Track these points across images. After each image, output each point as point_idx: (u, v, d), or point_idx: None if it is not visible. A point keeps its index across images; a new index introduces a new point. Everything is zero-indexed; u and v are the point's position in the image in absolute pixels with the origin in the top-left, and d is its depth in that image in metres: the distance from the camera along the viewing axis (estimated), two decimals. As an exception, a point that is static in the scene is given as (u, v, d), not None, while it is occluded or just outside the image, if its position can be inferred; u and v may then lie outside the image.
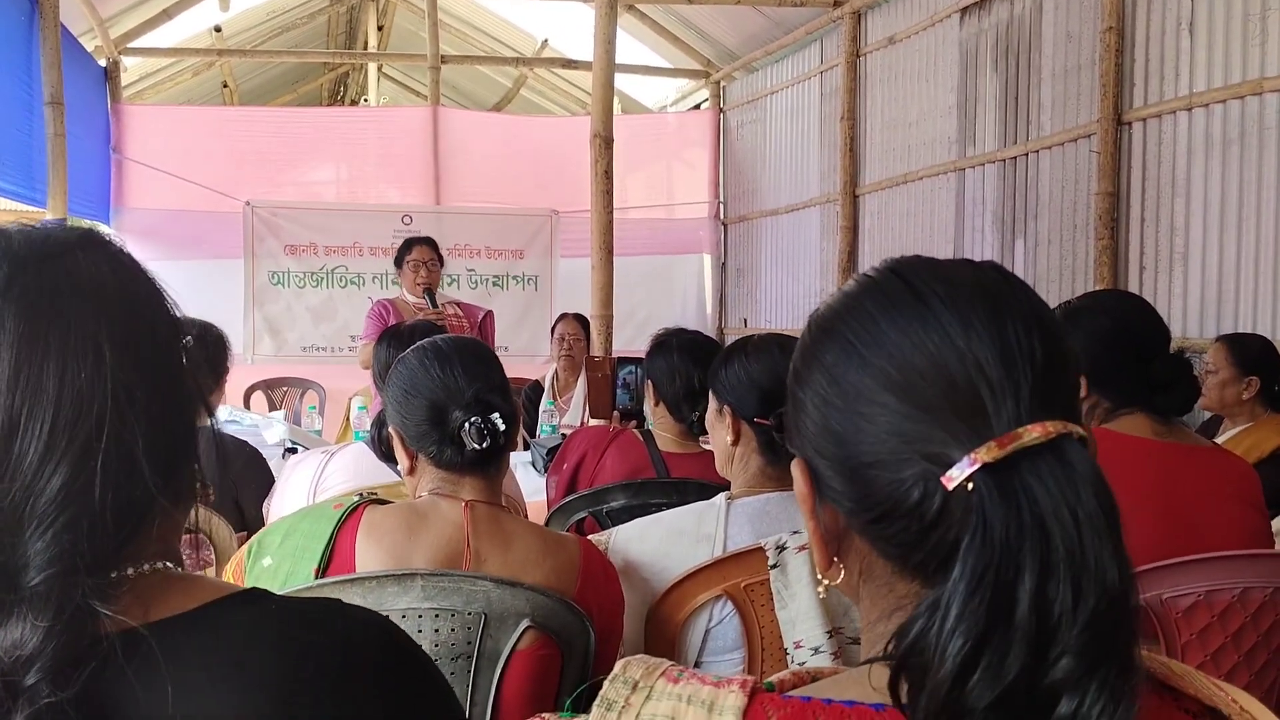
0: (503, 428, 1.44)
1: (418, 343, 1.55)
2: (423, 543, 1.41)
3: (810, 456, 0.68)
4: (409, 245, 4.40)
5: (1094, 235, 4.23)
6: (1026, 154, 4.69)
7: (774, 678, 0.71)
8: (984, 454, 0.57)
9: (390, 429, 1.53)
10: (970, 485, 0.57)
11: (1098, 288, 4.05)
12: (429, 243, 4.40)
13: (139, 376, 0.70)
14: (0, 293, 0.68)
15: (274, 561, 1.43)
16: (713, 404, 1.75)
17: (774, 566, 1.56)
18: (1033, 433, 0.58)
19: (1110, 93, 4.10)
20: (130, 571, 0.70)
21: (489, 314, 4.60)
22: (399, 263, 4.40)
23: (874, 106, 5.83)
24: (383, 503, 1.48)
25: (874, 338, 0.64)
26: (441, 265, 4.44)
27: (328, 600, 0.80)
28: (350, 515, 1.44)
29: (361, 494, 1.52)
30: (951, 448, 0.58)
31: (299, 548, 1.42)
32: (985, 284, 0.65)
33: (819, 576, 0.71)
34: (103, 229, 0.85)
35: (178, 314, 0.80)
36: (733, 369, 1.69)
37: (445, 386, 1.45)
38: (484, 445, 1.42)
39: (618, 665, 0.70)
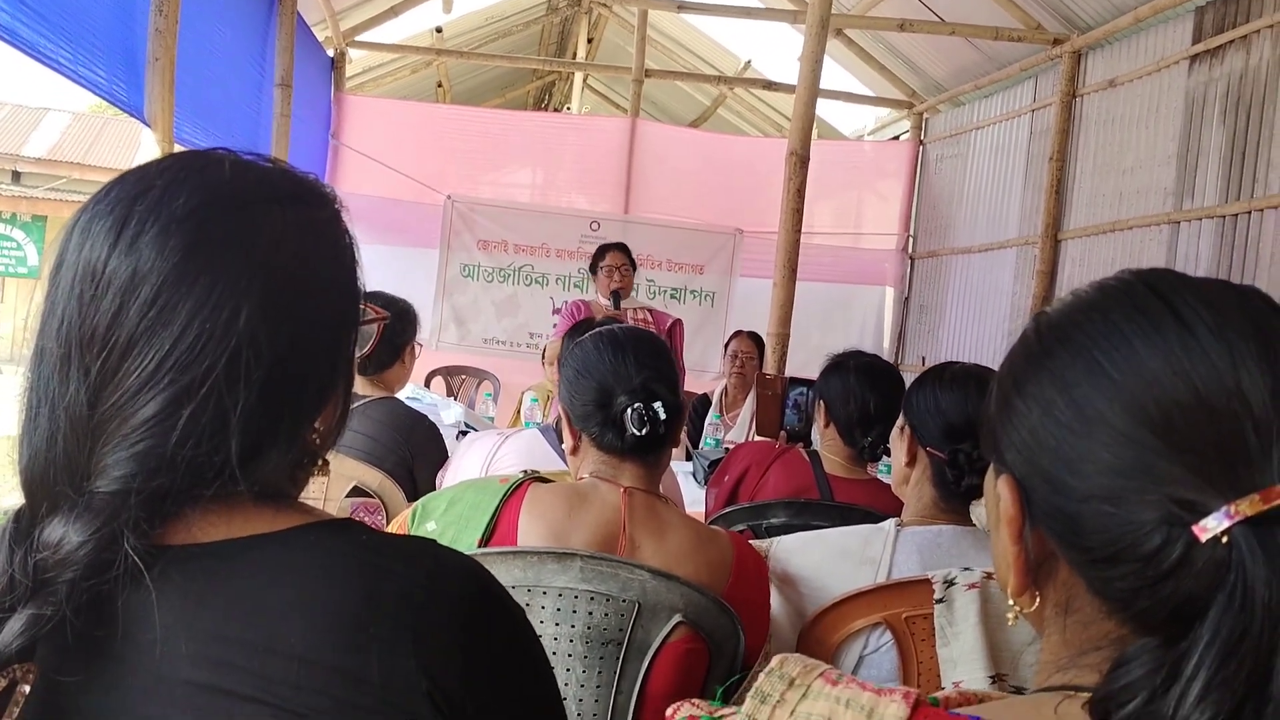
0: (663, 416, 1.46)
1: (597, 329, 1.59)
2: (582, 522, 1.43)
3: (1025, 476, 0.62)
4: (603, 251, 4.59)
5: (1321, 303, 3.89)
6: (1250, 211, 4.36)
7: (938, 694, 0.68)
8: (1246, 506, 0.51)
9: (560, 407, 1.57)
10: (1225, 539, 0.51)
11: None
12: (622, 249, 4.57)
13: (270, 344, 0.69)
14: (180, 217, 0.69)
15: (438, 527, 1.47)
16: (900, 419, 1.70)
17: (940, 601, 1.49)
18: None
19: (1357, 151, 3.77)
20: (207, 492, 0.69)
21: (678, 322, 4.72)
22: (594, 268, 4.59)
23: (1086, 150, 5.56)
24: (545, 481, 1.52)
25: (1126, 358, 0.58)
26: (634, 270, 4.59)
27: (422, 539, 0.75)
28: (515, 490, 1.47)
29: (526, 472, 1.55)
30: (1208, 495, 0.53)
31: (463, 516, 1.46)
32: (1254, 314, 0.58)
33: (1010, 601, 0.66)
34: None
35: (357, 295, 0.79)
36: (924, 391, 1.64)
37: (615, 371, 1.48)
38: (643, 431, 1.44)
39: (774, 660, 0.68)
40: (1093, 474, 0.57)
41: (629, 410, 1.44)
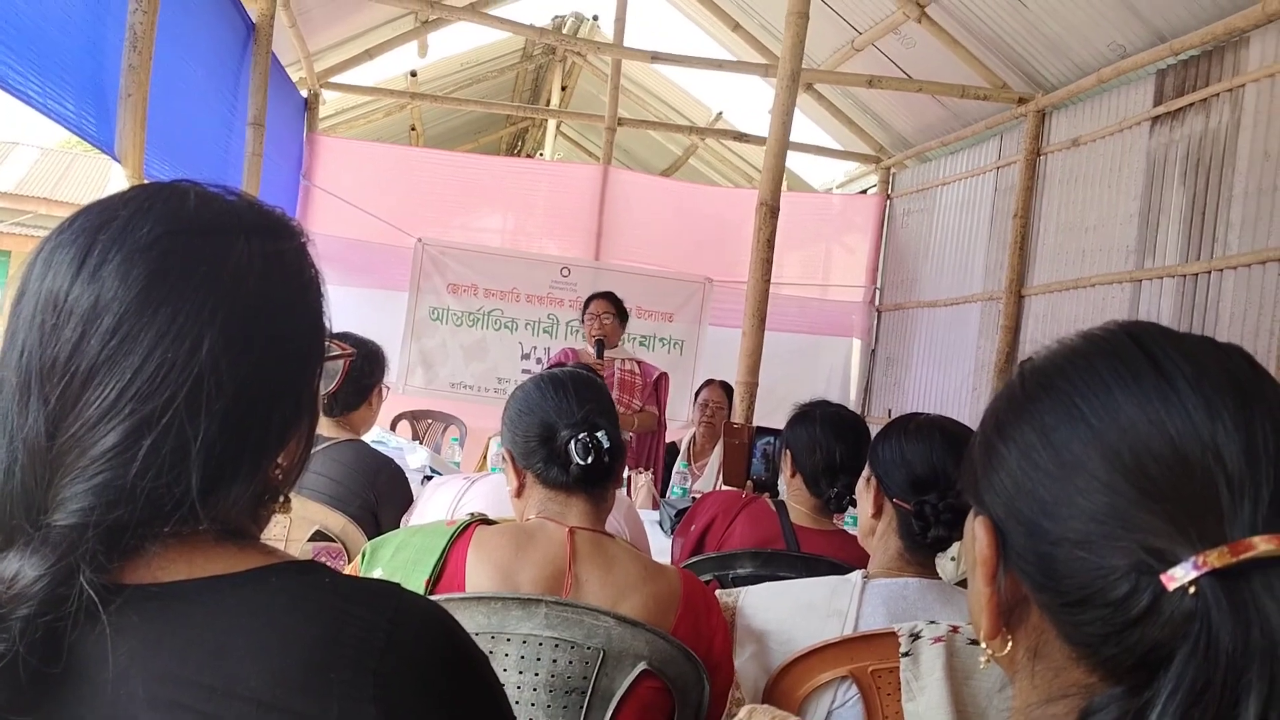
0: (606, 445, 1.49)
1: (538, 373, 1.63)
2: (529, 561, 1.44)
3: (1001, 518, 0.63)
4: (590, 299, 4.63)
5: (1277, 363, 3.97)
6: (1210, 271, 4.45)
7: None
8: (1214, 558, 0.52)
9: (503, 450, 1.59)
10: (1193, 589, 0.52)
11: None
12: (608, 297, 4.61)
13: (232, 374, 0.68)
14: (143, 246, 0.68)
15: (385, 574, 1.46)
16: (865, 470, 1.70)
17: (905, 654, 1.48)
18: (1269, 544, 0.52)
19: (1311, 215, 3.87)
20: (166, 526, 0.67)
21: (664, 375, 4.76)
22: (583, 315, 4.62)
23: (1050, 207, 5.67)
24: (491, 524, 1.53)
25: (1105, 406, 0.59)
26: (624, 320, 4.62)
27: (386, 582, 0.74)
28: (462, 532, 1.48)
29: (472, 515, 1.57)
30: (1178, 544, 0.54)
31: (410, 561, 1.46)
32: (1233, 370, 0.60)
33: (982, 645, 0.67)
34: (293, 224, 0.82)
35: (322, 329, 0.78)
36: (889, 443, 1.65)
37: (557, 408, 1.53)
38: (588, 460, 1.47)
39: (743, 711, 0.68)
40: (1067, 518, 0.58)
41: (573, 441, 1.48)
